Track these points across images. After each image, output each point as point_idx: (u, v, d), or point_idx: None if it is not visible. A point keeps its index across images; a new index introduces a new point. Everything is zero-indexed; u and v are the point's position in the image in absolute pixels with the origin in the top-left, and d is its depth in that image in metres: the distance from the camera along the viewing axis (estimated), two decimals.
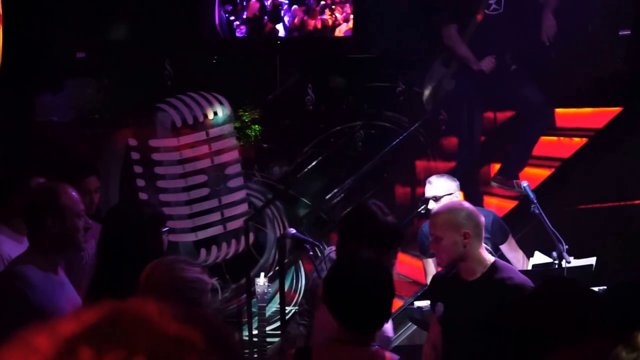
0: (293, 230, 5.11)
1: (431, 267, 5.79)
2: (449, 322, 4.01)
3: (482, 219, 3.91)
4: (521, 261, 5.64)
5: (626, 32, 7.05)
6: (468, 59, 6.95)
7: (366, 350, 3.01)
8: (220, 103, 7.88)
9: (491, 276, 3.75)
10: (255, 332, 6.61)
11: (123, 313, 0.94)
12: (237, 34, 8.24)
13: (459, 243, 3.75)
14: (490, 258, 3.86)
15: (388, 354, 3.08)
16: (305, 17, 8.14)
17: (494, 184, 7.15)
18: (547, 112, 7.15)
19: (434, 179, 5.57)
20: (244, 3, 8.23)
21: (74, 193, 3.57)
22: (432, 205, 5.47)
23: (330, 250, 4.95)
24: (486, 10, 6.87)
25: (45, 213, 3.49)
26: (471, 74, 6.96)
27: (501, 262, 3.99)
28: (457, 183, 5.57)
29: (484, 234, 3.87)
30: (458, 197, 5.53)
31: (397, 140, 6.69)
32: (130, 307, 0.96)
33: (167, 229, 3.41)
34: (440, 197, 5.43)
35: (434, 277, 4.26)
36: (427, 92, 7.46)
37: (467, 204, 4.01)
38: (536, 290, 2.16)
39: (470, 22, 6.94)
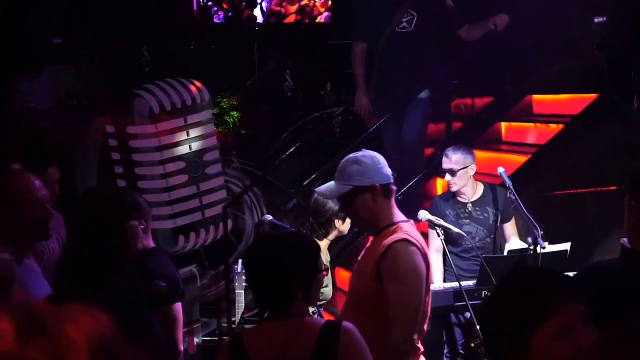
0: (270, 217, 5.13)
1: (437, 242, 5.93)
2: None
3: None
4: (514, 244, 5.67)
5: (602, 19, 7.09)
6: (357, 86, 6.86)
7: (293, 321, 2.97)
8: (199, 89, 7.85)
9: None
10: (234, 319, 6.64)
11: None
12: (215, 20, 8.21)
13: None
14: None
15: (317, 320, 3.05)
16: (285, 3, 8.13)
17: None
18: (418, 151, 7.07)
19: (450, 153, 5.80)
20: None
21: (30, 182, 3.51)
22: (448, 178, 5.82)
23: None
24: (396, 28, 6.82)
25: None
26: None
27: None
28: (473, 156, 5.84)
29: None
30: (474, 169, 5.82)
31: (375, 127, 6.68)
32: None
33: (137, 216, 3.38)
34: (457, 171, 5.74)
35: None
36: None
37: None
38: (498, 287, 2.16)
39: (380, 39, 6.82)
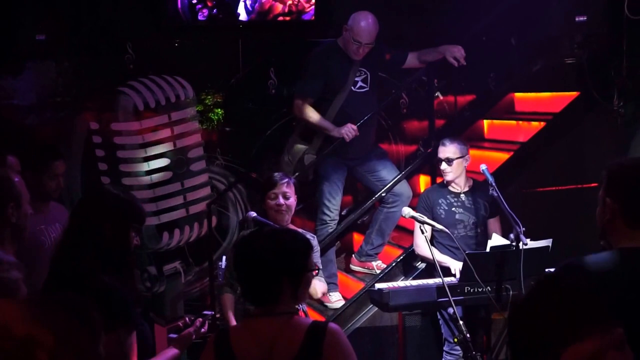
0: (254, 214, 5.16)
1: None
2: None
3: None
4: (496, 241, 5.69)
5: (582, 18, 7.15)
6: (327, 128, 6.73)
7: (280, 318, 2.99)
8: (183, 86, 7.86)
9: None
10: (218, 315, 6.65)
11: None
12: (199, 17, 8.20)
13: None
14: None
15: (303, 320, 3.06)
16: (274, 1, 8.10)
17: (353, 266, 7.18)
18: (403, 187, 6.96)
19: (448, 142, 6.03)
20: None
21: (18, 179, 3.53)
22: (443, 167, 6.02)
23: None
24: (352, 88, 6.75)
25: (6, 201, 3.46)
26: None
27: None
28: (468, 147, 6.09)
29: None
30: (468, 160, 6.05)
31: (359, 124, 6.72)
32: None
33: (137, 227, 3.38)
34: (454, 160, 5.96)
35: None
36: (287, 167, 7.12)
37: None
38: (535, 293, 2.11)
39: (335, 99, 6.76)
